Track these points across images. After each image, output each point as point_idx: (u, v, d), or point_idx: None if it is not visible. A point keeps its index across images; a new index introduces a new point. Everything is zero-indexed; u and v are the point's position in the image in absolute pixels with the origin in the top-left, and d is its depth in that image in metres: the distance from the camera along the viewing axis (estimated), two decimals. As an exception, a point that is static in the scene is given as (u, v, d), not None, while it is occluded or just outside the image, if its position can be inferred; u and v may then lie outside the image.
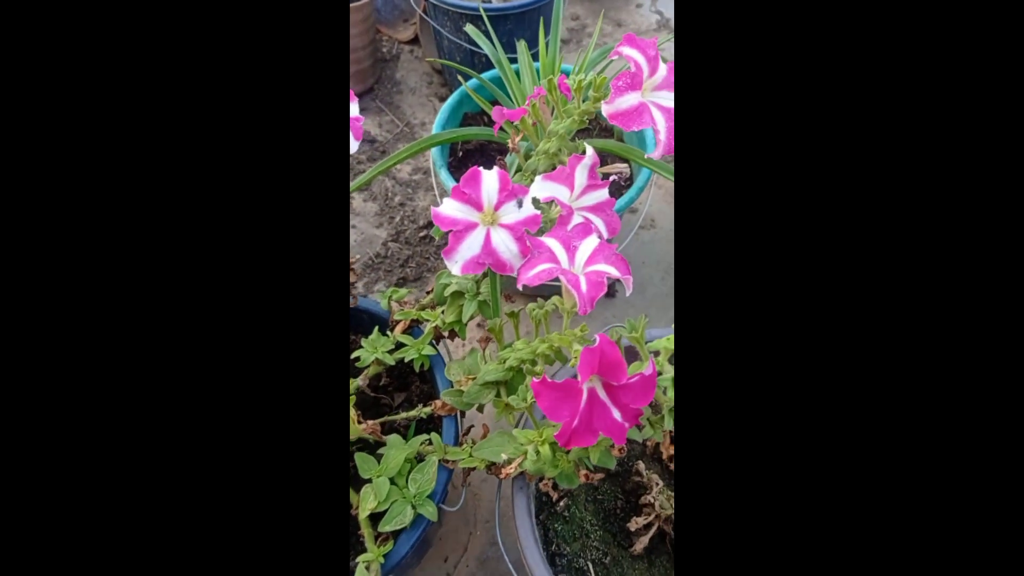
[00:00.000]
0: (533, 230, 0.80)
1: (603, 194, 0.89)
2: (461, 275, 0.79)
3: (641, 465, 1.02)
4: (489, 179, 0.79)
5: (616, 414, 0.69)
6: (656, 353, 0.70)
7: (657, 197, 1.85)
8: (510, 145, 0.91)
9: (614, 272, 0.72)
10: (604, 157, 1.53)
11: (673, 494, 0.98)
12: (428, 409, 1.00)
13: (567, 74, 1.47)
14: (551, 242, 0.76)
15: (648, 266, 1.73)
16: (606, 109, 0.77)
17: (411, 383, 1.11)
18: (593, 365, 0.66)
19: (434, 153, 1.39)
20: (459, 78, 1.51)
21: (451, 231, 0.78)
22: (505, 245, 0.79)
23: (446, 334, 1.05)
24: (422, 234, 1.77)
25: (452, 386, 1.03)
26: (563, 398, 0.66)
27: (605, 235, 0.88)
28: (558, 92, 0.87)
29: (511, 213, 0.80)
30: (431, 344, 1.04)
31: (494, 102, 1.54)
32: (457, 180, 1.46)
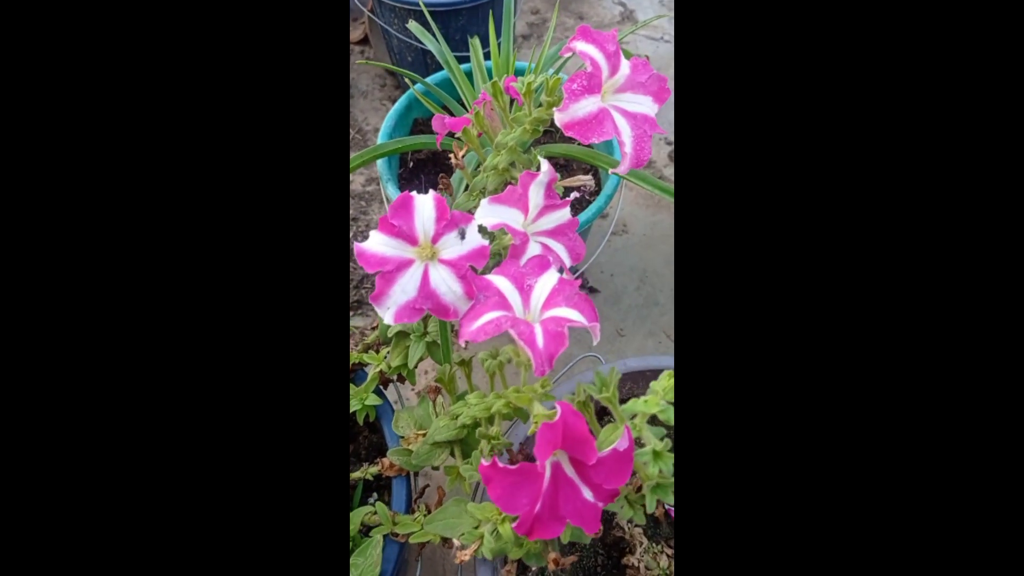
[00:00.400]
0: (480, 265, 0.67)
1: (563, 215, 0.75)
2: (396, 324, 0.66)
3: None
4: (424, 206, 0.66)
5: (587, 493, 0.56)
6: (634, 416, 0.57)
7: (628, 199, 1.72)
8: (453, 161, 0.78)
9: (577, 318, 0.59)
10: (567, 164, 1.40)
11: (660, 552, 0.85)
12: (375, 469, 0.87)
13: (522, 74, 1.33)
14: (500, 282, 0.63)
15: (622, 275, 1.60)
16: (560, 118, 0.63)
17: (358, 433, 0.98)
18: (555, 442, 0.53)
19: (380, 165, 1.25)
20: (407, 81, 1.37)
21: (379, 272, 0.65)
22: (447, 285, 0.66)
23: (394, 378, 0.91)
24: (377, 251, 1.63)
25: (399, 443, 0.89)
26: (519, 483, 0.53)
27: (568, 262, 0.75)
28: (504, 97, 0.74)
29: (452, 246, 0.67)
30: (377, 392, 0.91)
31: (447, 107, 1.40)
32: (408, 194, 1.33)
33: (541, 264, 0.64)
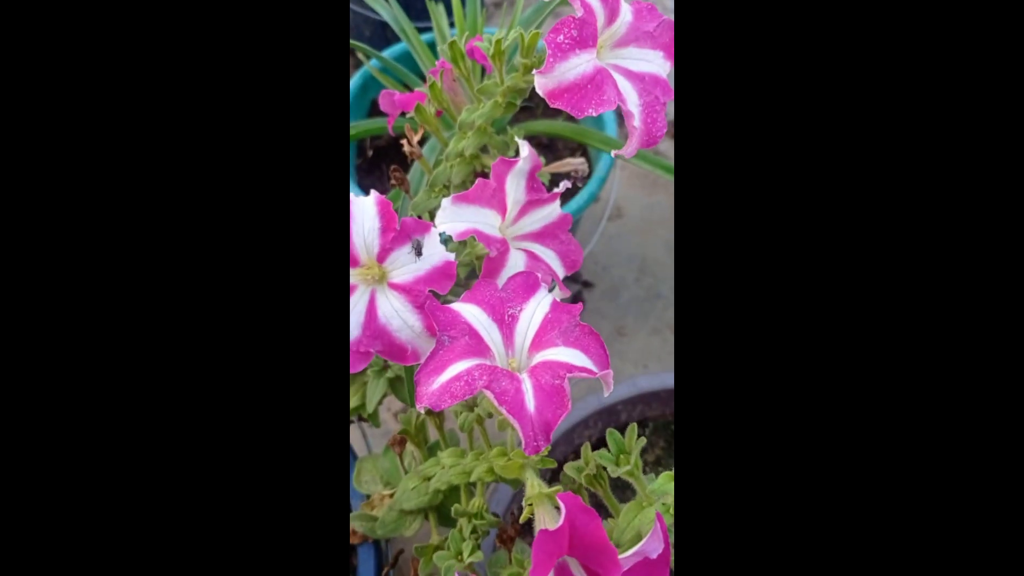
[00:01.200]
0: (444, 288, 0.50)
1: (551, 211, 0.59)
2: (334, 374, 0.49)
3: None
4: (363, 213, 0.49)
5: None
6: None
7: (623, 180, 1.55)
8: (407, 149, 0.60)
9: (581, 363, 0.42)
10: (551, 145, 1.23)
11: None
12: (335, 534, 0.70)
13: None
14: (471, 313, 0.46)
15: (619, 265, 1.44)
16: (543, 83, 0.46)
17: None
18: (559, 550, 0.36)
19: (335, 156, 1.07)
20: (360, 57, 1.19)
21: None
22: (400, 318, 0.49)
23: (353, 419, 0.74)
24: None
25: (366, 499, 0.72)
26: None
27: (561, 272, 0.58)
28: (466, 63, 0.57)
29: (405, 265, 0.50)
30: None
31: (409, 85, 1.22)
32: (365, 189, 1.14)
33: (527, 284, 0.47)
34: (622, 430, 0.45)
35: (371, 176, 1.14)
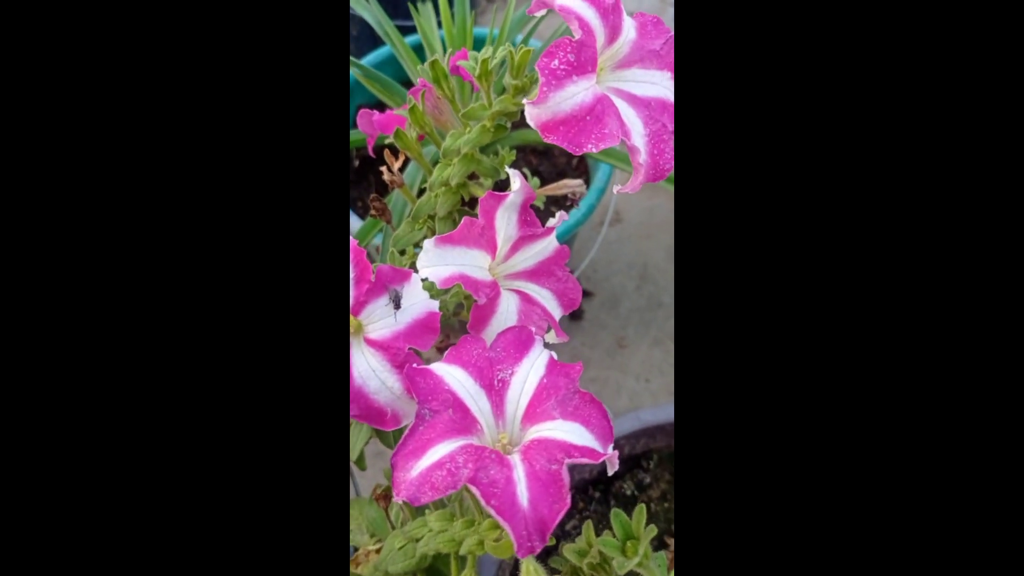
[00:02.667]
0: (426, 344, 0.44)
1: (547, 245, 0.53)
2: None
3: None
4: None
5: None
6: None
7: (622, 182, 1.50)
8: (387, 177, 0.55)
9: (583, 441, 0.36)
10: (547, 152, 1.17)
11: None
12: (318, 589, 0.65)
13: (483, 45, 1.08)
14: (455, 379, 0.40)
15: (618, 273, 1.38)
16: (534, 114, 0.40)
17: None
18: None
19: (319, 167, 1.01)
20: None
21: None
22: (378, 379, 0.43)
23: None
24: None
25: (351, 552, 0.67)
26: None
27: (557, 313, 0.53)
28: (450, 83, 0.51)
29: (382, 319, 0.44)
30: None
31: (405, 83, 1.16)
32: (356, 198, 1.08)
33: (519, 342, 0.42)
34: (625, 463, 0.40)
35: (358, 187, 1.08)
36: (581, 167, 1.12)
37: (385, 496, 0.58)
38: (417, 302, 0.45)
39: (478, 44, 1.05)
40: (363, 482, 0.82)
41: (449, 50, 1.01)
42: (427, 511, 0.55)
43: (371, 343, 0.44)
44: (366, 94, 1.16)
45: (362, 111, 0.59)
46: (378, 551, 0.61)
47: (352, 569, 0.61)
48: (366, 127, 0.59)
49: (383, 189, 1.09)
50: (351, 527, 0.67)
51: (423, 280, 0.46)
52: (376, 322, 0.44)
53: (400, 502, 0.58)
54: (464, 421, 0.38)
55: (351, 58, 0.88)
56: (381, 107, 1.20)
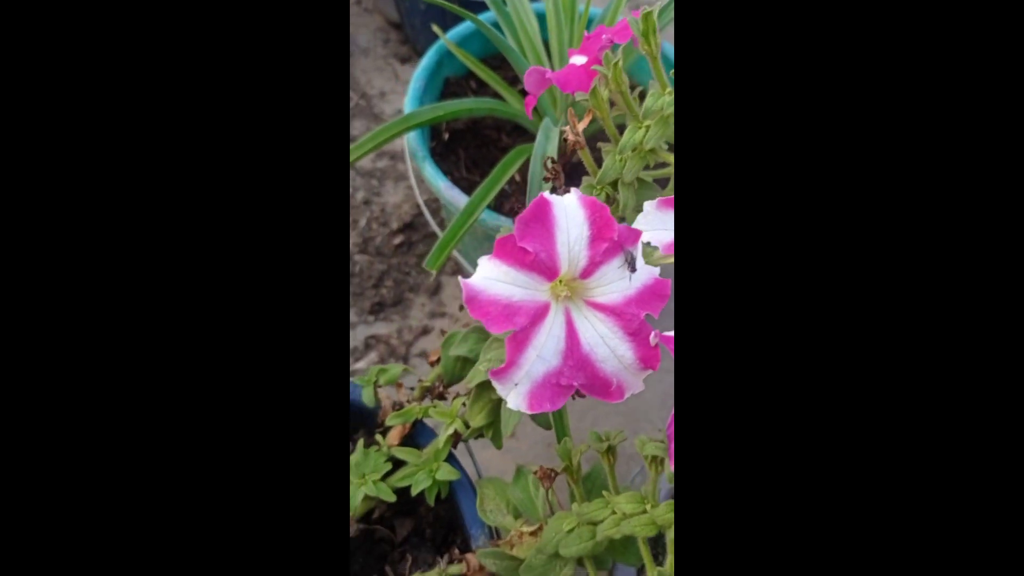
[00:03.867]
0: (656, 311, 0.41)
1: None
2: (528, 411, 0.41)
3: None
4: (571, 218, 0.40)
5: None
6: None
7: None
8: (570, 138, 0.52)
9: None
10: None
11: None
12: (457, 569, 0.62)
13: (591, 24, 1.04)
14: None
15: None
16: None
17: (419, 503, 0.73)
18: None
19: (410, 139, 0.98)
20: (434, 29, 1.09)
21: (512, 327, 0.39)
22: (606, 346, 0.41)
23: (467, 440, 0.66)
24: (397, 240, 1.36)
25: (486, 530, 0.65)
26: None
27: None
28: (620, 80, 0.48)
29: (613, 283, 0.41)
30: (448, 460, 0.66)
31: (488, 59, 1.13)
32: (445, 172, 1.05)
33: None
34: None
35: (447, 161, 1.05)
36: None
37: (549, 476, 0.55)
38: (642, 267, 0.42)
39: (589, 21, 1.01)
40: (485, 464, 0.79)
41: (565, 20, 0.98)
42: (602, 495, 0.52)
43: (599, 307, 0.41)
44: (455, 65, 1.13)
45: (532, 68, 0.56)
46: (532, 533, 0.59)
47: (504, 550, 0.59)
48: (535, 83, 0.56)
49: (473, 164, 1.06)
50: (488, 507, 0.64)
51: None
52: (606, 286, 0.41)
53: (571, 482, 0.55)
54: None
55: (469, 14, 0.85)
56: (468, 79, 1.17)
